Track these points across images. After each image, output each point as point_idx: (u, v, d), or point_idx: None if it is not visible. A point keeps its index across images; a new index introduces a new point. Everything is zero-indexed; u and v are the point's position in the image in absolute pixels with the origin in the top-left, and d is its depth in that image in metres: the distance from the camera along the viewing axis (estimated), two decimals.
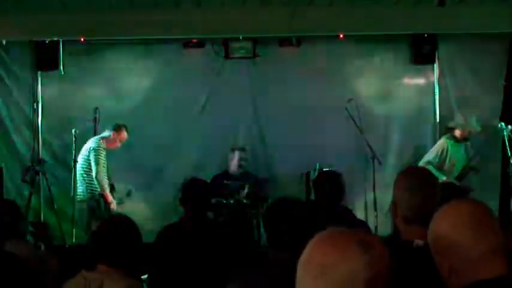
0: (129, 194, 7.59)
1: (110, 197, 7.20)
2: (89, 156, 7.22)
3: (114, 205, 7.24)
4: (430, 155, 7.49)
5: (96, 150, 7.20)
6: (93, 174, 7.16)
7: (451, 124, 7.64)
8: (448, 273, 1.90)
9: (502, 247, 1.88)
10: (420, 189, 2.59)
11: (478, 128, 7.50)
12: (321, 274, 1.47)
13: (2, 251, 3.07)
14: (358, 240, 1.48)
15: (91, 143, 7.29)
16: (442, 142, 7.54)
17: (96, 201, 7.16)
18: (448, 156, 7.41)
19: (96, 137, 7.40)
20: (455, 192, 6.07)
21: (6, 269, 2.61)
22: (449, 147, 7.44)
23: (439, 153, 7.44)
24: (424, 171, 3.07)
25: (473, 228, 1.88)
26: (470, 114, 7.60)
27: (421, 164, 7.40)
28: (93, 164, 7.18)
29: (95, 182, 7.17)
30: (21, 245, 3.66)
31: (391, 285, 1.46)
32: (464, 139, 7.49)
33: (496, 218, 1.93)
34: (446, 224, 1.93)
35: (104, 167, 7.22)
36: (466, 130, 7.44)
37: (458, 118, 7.58)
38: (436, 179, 2.91)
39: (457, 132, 7.48)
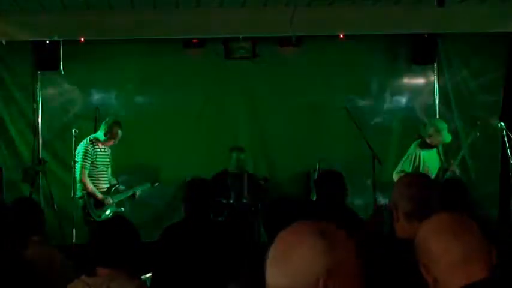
0: (155, 182, 7.67)
1: (99, 195, 7.09)
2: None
3: (108, 200, 7.16)
4: (404, 164, 7.25)
5: (79, 152, 7.05)
6: (76, 176, 7.05)
7: (422, 133, 7.42)
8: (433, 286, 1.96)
9: (479, 253, 1.93)
10: (417, 182, 2.87)
11: (448, 139, 7.33)
12: (282, 260, 1.46)
13: (18, 257, 3.07)
14: (318, 229, 1.48)
15: (79, 145, 7.17)
16: (413, 149, 7.30)
17: (85, 201, 7.07)
18: (422, 163, 7.24)
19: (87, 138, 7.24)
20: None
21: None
22: (421, 153, 7.25)
23: (412, 160, 7.28)
24: (418, 173, 3.50)
25: (447, 236, 1.96)
26: (442, 123, 7.37)
27: (395, 173, 7.24)
28: (74, 166, 7.04)
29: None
30: (44, 248, 3.62)
31: (357, 276, 1.46)
32: (435, 145, 7.30)
33: (474, 227, 1.99)
34: (425, 234, 2.02)
35: (97, 167, 7.14)
36: (436, 140, 7.27)
37: (429, 128, 7.29)
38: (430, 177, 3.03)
39: (428, 140, 7.28)
